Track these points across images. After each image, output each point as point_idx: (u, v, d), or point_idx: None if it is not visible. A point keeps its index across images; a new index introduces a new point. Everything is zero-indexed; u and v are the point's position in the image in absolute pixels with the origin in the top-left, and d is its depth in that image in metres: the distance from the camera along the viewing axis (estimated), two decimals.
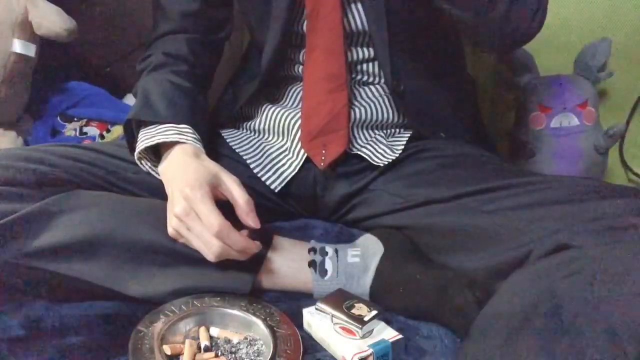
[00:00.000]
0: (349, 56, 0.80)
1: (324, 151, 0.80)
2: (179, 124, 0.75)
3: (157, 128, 0.74)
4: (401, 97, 0.80)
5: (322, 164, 0.80)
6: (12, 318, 0.64)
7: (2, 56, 1.02)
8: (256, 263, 0.71)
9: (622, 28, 1.13)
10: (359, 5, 0.76)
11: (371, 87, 0.82)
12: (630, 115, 1.16)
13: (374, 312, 0.64)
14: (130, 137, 0.77)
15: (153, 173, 0.76)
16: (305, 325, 0.67)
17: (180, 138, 0.73)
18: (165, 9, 0.86)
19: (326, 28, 0.77)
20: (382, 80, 0.81)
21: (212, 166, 0.70)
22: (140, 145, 0.74)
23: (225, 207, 0.67)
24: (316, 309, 0.67)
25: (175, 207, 0.65)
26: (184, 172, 0.68)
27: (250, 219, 0.67)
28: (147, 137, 0.74)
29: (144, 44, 0.90)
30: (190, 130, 0.75)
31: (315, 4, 0.76)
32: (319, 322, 0.66)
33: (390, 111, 0.83)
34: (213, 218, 0.63)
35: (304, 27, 0.78)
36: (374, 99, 0.82)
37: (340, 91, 0.79)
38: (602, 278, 0.48)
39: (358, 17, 0.77)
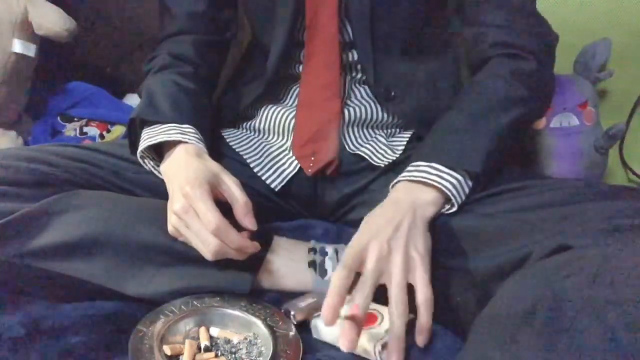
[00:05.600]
0: (345, 58, 0.80)
1: (312, 158, 0.80)
2: (182, 124, 0.75)
3: (160, 127, 0.75)
4: (392, 102, 0.80)
5: (309, 170, 0.80)
6: (12, 318, 0.64)
7: (2, 56, 1.02)
8: (256, 263, 0.71)
9: (622, 28, 1.13)
10: (346, 21, 0.78)
11: (367, 87, 0.82)
12: (630, 115, 1.16)
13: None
14: (134, 136, 0.78)
15: (155, 172, 0.76)
16: (313, 333, 0.65)
17: (182, 138, 0.73)
18: (172, 10, 0.87)
19: (323, 39, 0.78)
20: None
21: (214, 166, 0.70)
22: (143, 144, 0.74)
23: (224, 209, 0.67)
24: None
25: (174, 204, 0.65)
26: (185, 171, 0.68)
27: (248, 221, 0.67)
28: (150, 136, 0.74)
29: (144, 45, 0.90)
30: (193, 131, 0.75)
31: (314, 15, 0.77)
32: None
33: (384, 112, 0.83)
34: (211, 216, 0.63)
35: (305, 36, 0.79)
36: (369, 99, 0.82)
37: (333, 100, 0.79)
38: (602, 278, 0.47)
39: (350, 29, 0.78)
